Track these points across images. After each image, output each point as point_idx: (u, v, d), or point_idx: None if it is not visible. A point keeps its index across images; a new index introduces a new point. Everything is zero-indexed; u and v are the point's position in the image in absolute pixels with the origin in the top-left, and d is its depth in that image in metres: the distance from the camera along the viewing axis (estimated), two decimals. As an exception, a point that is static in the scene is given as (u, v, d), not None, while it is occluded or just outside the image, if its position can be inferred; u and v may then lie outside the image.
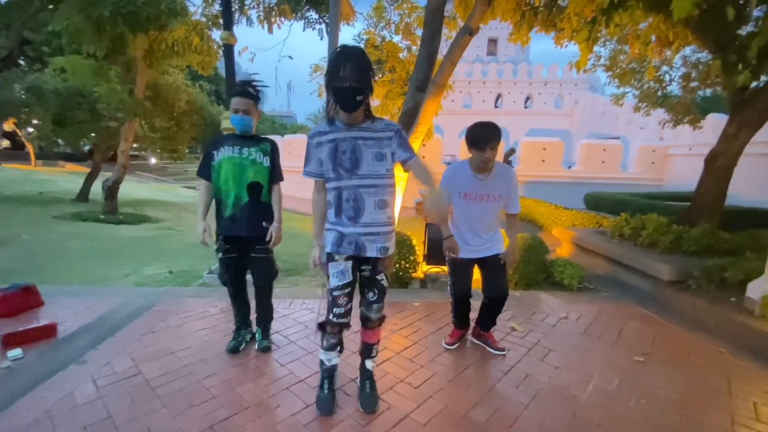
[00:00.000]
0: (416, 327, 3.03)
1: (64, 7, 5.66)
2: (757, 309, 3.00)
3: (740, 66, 3.74)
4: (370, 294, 1.94)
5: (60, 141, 15.28)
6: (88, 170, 13.49)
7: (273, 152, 2.46)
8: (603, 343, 2.86)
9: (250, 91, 2.36)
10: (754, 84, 4.00)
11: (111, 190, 10.00)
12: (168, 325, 2.92)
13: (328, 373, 2.05)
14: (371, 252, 1.82)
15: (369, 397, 2.02)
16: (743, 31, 4.43)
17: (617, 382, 2.36)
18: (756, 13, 4.37)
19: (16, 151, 32.76)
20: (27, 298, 3.16)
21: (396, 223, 2.02)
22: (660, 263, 3.80)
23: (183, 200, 16.44)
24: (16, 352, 2.47)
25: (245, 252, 2.46)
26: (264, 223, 2.42)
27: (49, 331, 2.72)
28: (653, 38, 4.90)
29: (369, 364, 2.09)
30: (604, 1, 4.16)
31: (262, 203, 2.43)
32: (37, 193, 12.98)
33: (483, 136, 2.26)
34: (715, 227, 4.18)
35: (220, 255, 2.46)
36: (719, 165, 4.30)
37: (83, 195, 12.33)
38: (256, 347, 2.59)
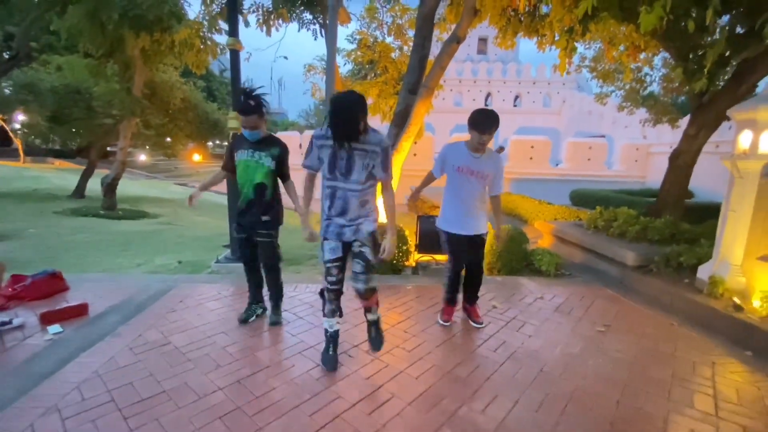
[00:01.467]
0: (409, 306, 3.41)
1: (73, 10, 5.88)
2: (705, 288, 3.44)
3: (698, 73, 4.18)
4: (357, 267, 2.26)
5: (53, 139, 15.30)
6: (78, 167, 13.62)
7: (281, 155, 2.76)
8: (571, 317, 3.29)
9: (252, 105, 2.60)
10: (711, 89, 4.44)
11: (110, 186, 10.20)
12: (187, 305, 3.26)
13: (332, 338, 2.45)
14: (347, 236, 2.23)
15: (375, 339, 2.50)
16: (704, 41, 4.88)
17: (580, 347, 2.77)
18: (724, 20, 4.79)
19: (4, 148, 32.28)
20: (55, 283, 3.46)
21: (378, 214, 2.38)
22: (626, 250, 4.24)
23: (176, 197, 16.61)
24: (55, 328, 2.79)
25: (250, 235, 2.85)
26: (263, 218, 2.78)
27: (81, 309, 3.04)
28: (622, 47, 5.32)
29: (369, 316, 2.51)
30: (580, 11, 4.54)
31: (265, 201, 2.76)
32: (31, 190, 13.07)
33: (484, 121, 2.64)
34: (677, 218, 4.64)
35: (236, 235, 2.97)
36: (680, 163, 4.76)
37: (79, 191, 12.47)
38: (269, 321, 2.97)
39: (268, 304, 3.10)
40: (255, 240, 2.84)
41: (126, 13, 6.06)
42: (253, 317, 3.01)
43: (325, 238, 2.27)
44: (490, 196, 2.94)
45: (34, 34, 11.02)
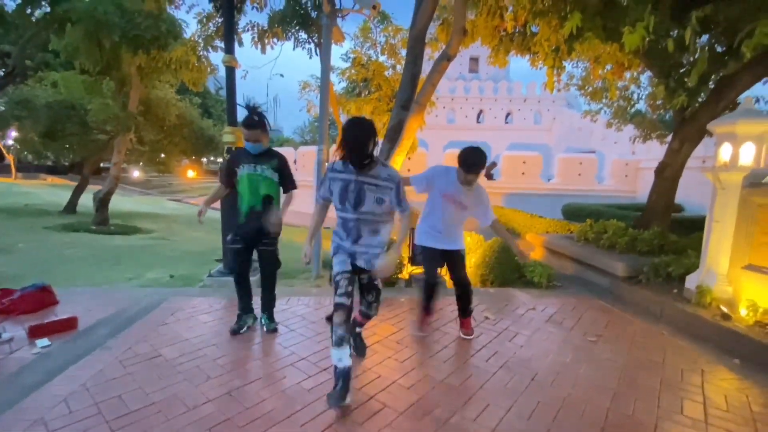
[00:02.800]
0: (401, 317, 3.42)
1: (72, 30, 5.99)
2: (693, 297, 3.49)
3: (679, 90, 4.34)
4: (370, 296, 2.38)
5: (46, 154, 15.27)
6: (70, 183, 13.56)
7: (282, 167, 2.89)
8: (563, 327, 3.31)
9: (256, 120, 2.75)
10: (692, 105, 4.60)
11: (103, 202, 10.16)
12: (178, 318, 3.23)
13: (342, 375, 2.05)
14: (359, 262, 2.24)
15: (360, 346, 2.66)
16: (685, 59, 5.08)
17: (571, 356, 2.79)
18: (703, 39, 4.99)
19: (-5, 164, 32.00)
20: (44, 297, 3.43)
21: (387, 242, 2.34)
22: (616, 261, 4.30)
23: (170, 212, 16.52)
24: (43, 342, 2.76)
25: (250, 246, 2.92)
26: (272, 229, 2.86)
27: (70, 323, 3.01)
28: (608, 66, 5.51)
29: (358, 329, 2.64)
30: (565, 31, 4.71)
31: (273, 211, 2.86)
32: (22, 205, 12.95)
33: (473, 163, 2.68)
34: (664, 230, 4.73)
35: (230, 245, 2.99)
36: (666, 176, 4.89)
37: (71, 207, 12.38)
38: (265, 330, 3.02)
39: (257, 313, 3.14)
40: (259, 249, 2.91)
41: (125, 34, 6.18)
42: (245, 328, 3.01)
43: (335, 253, 2.28)
44: (486, 226, 2.95)
45: (30, 52, 11.17)
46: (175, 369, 2.44)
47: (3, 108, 11.08)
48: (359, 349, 2.67)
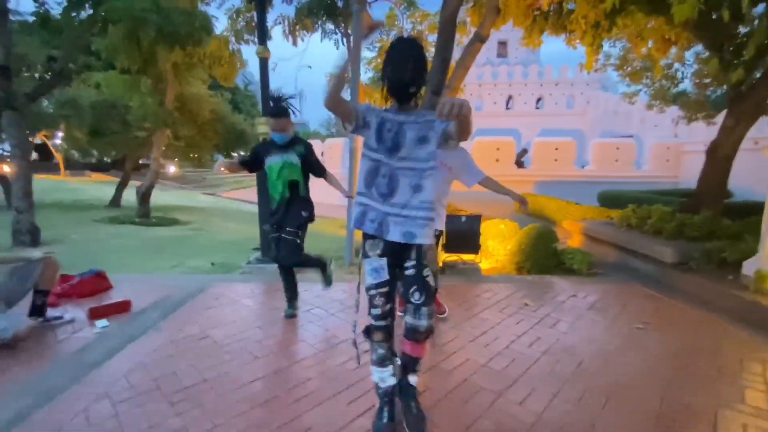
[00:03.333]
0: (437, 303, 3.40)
1: (113, 30, 6.27)
2: (751, 284, 3.27)
3: (734, 63, 4.03)
4: (416, 295, 1.67)
5: (92, 151, 16.15)
6: (113, 179, 14.30)
7: (306, 153, 2.91)
8: (607, 315, 3.19)
9: (283, 108, 2.80)
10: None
11: (144, 196, 10.66)
12: (222, 303, 3.36)
13: (386, 397, 1.79)
14: (393, 235, 1.68)
15: (416, 417, 1.76)
16: (740, 31, 4.71)
17: (618, 344, 2.69)
18: (759, 9, 4.61)
19: (45, 162, 34.26)
20: (100, 282, 3.65)
21: (436, 213, 1.94)
22: (664, 247, 4.09)
23: (205, 205, 17.16)
24: (102, 322, 2.94)
25: (280, 232, 2.93)
26: (303, 213, 2.91)
27: (125, 306, 3.19)
28: (651, 42, 5.19)
29: (412, 379, 1.85)
30: (607, 5, 4.46)
31: (300, 197, 2.91)
32: (71, 200, 13.80)
33: None
34: (716, 214, 4.45)
35: (271, 235, 3.04)
36: (719, 156, 4.57)
37: (115, 201, 13.07)
38: (283, 314, 3.05)
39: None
40: (282, 236, 2.91)
41: (161, 30, 6.40)
42: (298, 311, 3.12)
43: (366, 254, 1.76)
44: (476, 184, 2.78)
45: (74, 56, 11.77)
46: (223, 349, 2.55)
47: (51, 109, 11.75)
48: (415, 422, 1.74)
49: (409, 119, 1.70)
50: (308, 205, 2.96)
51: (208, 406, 1.96)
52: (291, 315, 3.05)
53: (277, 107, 2.79)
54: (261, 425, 1.83)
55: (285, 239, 2.89)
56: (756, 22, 4.60)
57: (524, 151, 16.95)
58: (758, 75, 4.37)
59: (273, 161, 2.86)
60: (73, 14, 6.24)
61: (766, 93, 3.92)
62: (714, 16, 4.41)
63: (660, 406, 2.00)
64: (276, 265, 3.09)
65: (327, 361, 2.40)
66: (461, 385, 2.17)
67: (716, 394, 2.12)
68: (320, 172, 2.97)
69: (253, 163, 2.97)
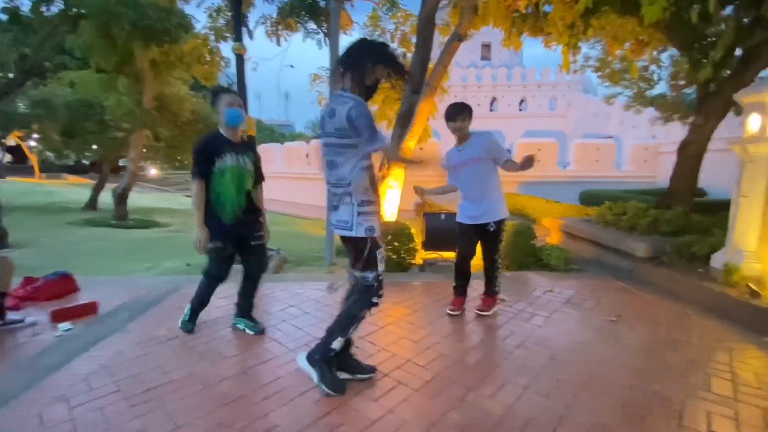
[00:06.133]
0: (415, 300, 3.39)
1: (85, 25, 6.08)
2: (720, 276, 3.35)
3: (704, 62, 4.14)
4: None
5: (67, 153, 15.68)
6: (90, 182, 13.92)
7: (258, 160, 2.67)
8: (582, 309, 3.22)
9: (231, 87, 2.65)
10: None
11: (121, 197, 10.39)
12: (194, 303, 3.26)
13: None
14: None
15: (367, 367, 2.16)
16: (709, 31, 4.84)
17: (591, 336, 2.72)
18: (728, 10, 4.74)
19: (20, 165, 33.21)
20: (66, 284, 3.51)
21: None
22: (637, 242, 4.16)
23: (187, 207, 16.82)
24: (65, 325, 2.82)
25: (238, 247, 2.63)
26: (260, 219, 2.72)
27: (91, 308, 3.07)
28: (627, 44, 5.30)
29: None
30: (580, 6, 4.53)
31: (253, 204, 2.65)
32: (46, 203, 13.37)
33: (453, 110, 2.87)
34: (687, 210, 4.55)
35: (214, 254, 2.59)
36: (690, 153, 4.69)
37: (92, 203, 12.72)
38: (252, 333, 2.67)
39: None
40: (250, 246, 2.64)
41: (135, 25, 6.25)
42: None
43: (377, 243, 1.99)
44: (501, 167, 2.88)
45: (47, 54, 11.43)
46: (192, 350, 2.47)
47: (24, 109, 11.38)
48: (366, 367, 2.17)
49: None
50: (258, 210, 2.71)
51: (171, 407, 1.89)
52: (262, 330, 2.70)
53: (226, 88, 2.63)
54: (225, 425, 1.77)
55: (256, 247, 2.67)
56: (723, 24, 4.75)
57: (507, 152, 17.13)
58: (727, 73, 4.50)
59: (227, 164, 2.45)
60: (43, 9, 6.04)
61: (733, 91, 4.02)
62: (684, 18, 4.52)
63: (628, 396, 2.02)
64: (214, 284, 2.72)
65: (298, 359, 2.34)
66: (433, 380, 2.14)
67: (684, 383, 2.15)
68: (261, 179, 2.73)
69: (208, 167, 2.45)
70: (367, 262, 1.95)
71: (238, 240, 2.60)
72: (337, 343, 1.97)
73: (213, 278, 2.70)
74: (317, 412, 1.86)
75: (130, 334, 2.69)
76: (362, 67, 1.87)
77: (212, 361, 2.34)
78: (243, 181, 2.54)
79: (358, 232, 1.91)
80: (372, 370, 2.16)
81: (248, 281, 2.75)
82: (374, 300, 1.98)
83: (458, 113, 2.86)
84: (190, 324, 2.75)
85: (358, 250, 1.95)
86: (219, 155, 2.45)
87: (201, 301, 2.77)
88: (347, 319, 1.99)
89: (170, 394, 2.00)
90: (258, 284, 2.78)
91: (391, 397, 1.98)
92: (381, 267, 1.99)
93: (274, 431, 1.74)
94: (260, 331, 2.70)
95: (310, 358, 2.02)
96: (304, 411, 1.87)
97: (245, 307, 2.79)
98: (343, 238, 2.02)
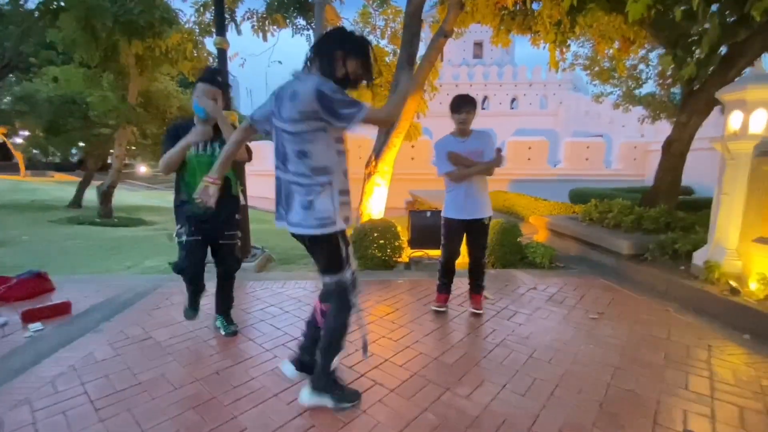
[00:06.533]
0: (398, 298, 3.35)
1: (64, 17, 5.93)
2: (701, 273, 3.36)
3: (688, 60, 4.15)
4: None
5: (51, 150, 15.38)
6: (77, 179, 13.62)
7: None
8: (564, 306, 3.21)
9: (218, 79, 2.37)
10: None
11: (106, 195, 10.20)
12: (172, 302, 3.20)
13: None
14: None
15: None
16: (693, 29, 4.86)
17: (571, 334, 2.70)
18: (714, 8, 4.76)
19: (5, 162, 32.59)
20: (40, 284, 3.42)
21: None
22: (621, 240, 4.17)
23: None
24: (36, 326, 2.74)
25: (207, 240, 2.46)
26: (237, 216, 2.53)
27: (64, 308, 2.99)
28: (616, 44, 5.31)
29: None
30: (566, 3, 4.52)
31: (232, 196, 2.47)
32: (29, 201, 13.09)
33: (459, 102, 2.82)
34: (671, 207, 4.58)
35: (181, 239, 2.38)
36: (674, 151, 4.71)
37: (77, 201, 12.48)
38: (224, 333, 2.60)
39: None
40: (220, 244, 2.49)
41: (117, 19, 6.10)
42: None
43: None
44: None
45: (32, 49, 11.16)
46: (165, 350, 2.41)
47: (6, 105, 11.12)
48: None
49: None
50: (238, 204, 2.56)
51: (138, 410, 1.84)
52: (235, 332, 2.63)
53: (211, 73, 2.39)
54: (192, 428, 1.72)
55: (228, 245, 2.52)
56: (707, 22, 4.76)
57: (498, 150, 17.17)
58: (710, 71, 4.52)
59: (194, 151, 2.32)
60: (21, 1, 5.87)
61: (717, 88, 4.04)
62: (668, 16, 4.53)
63: (605, 394, 2.00)
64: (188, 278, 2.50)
65: (273, 361, 2.30)
66: (409, 379, 2.11)
67: (661, 381, 2.14)
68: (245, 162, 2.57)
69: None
70: (345, 260, 1.77)
71: (206, 229, 2.40)
72: (335, 362, 1.83)
73: (181, 272, 2.45)
74: (289, 414, 1.81)
75: (103, 335, 2.62)
76: (331, 55, 1.67)
77: (185, 362, 2.28)
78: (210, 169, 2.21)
79: (339, 226, 1.71)
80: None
81: (219, 280, 2.64)
82: (352, 300, 1.79)
83: (464, 105, 2.81)
84: (191, 311, 2.60)
85: (333, 248, 1.75)
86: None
87: (193, 290, 2.56)
88: (333, 336, 1.81)
89: (138, 396, 1.94)
90: (229, 284, 2.66)
91: (366, 397, 1.94)
92: (355, 262, 1.84)
93: (243, 434, 1.69)
94: (232, 333, 2.61)
95: (316, 389, 1.84)
96: (275, 413, 1.82)
97: (223, 303, 2.69)
98: (315, 239, 1.73)
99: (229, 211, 2.49)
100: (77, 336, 2.60)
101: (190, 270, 2.44)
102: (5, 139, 22.00)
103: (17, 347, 2.47)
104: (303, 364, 1.93)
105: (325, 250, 1.77)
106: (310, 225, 1.68)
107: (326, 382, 1.83)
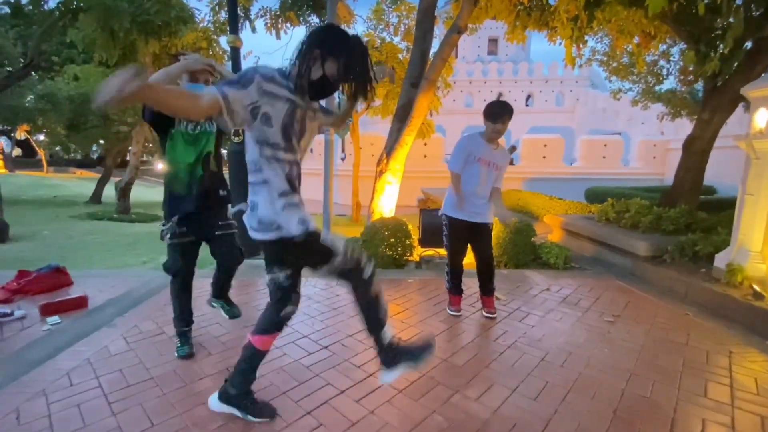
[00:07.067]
0: (408, 298, 3.33)
1: (84, 18, 6.07)
2: (723, 277, 3.25)
3: (711, 55, 4.01)
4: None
5: (72, 147, 15.81)
6: (98, 176, 13.96)
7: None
8: (578, 308, 3.14)
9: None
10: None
11: (124, 191, 10.43)
12: (185, 298, 3.24)
13: None
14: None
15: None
16: (717, 23, 4.69)
17: (585, 337, 2.64)
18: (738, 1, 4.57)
19: (28, 159, 33.64)
20: (58, 278, 3.51)
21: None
22: (638, 240, 4.06)
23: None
24: (54, 319, 2.81)
25: (201, 236, 2.28)
26: (221, 192, 2.30)
27: (80, 302, 3.06)
28: (636, 39, 5.16)
29: None
30: (582, -1, 4.39)
31: (215, 172, 2.27)
32: (51, 197, 13.49)
33: (499, 112, 2.69)
34: (692, 207, 4.43)
35: (173, 240, 2.21)
36: (695, 149, 4.56)
37: (96, 197, 12.81)
38: (228, 317, 2.52)
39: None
40: (215, 236, 2.27)
41: (135, 19, 6.21)
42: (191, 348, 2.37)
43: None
44: (493, 188, 2.89)
45: (54, 48, 11.45)
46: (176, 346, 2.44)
47: (29, 102, 11.46)
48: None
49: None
50: (225, 183, 2.34)
51: (149, 405, 1.86)
52: (237, 314, 2.52)
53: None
54: (201, 424, 1.73)
55: (222, 237, 2.28)
56: (732, 16, 4.58)
57: (513, 148, 16.93)
58: (734, 67, 4.36)
59: (179, 128, 2.12)
60: (42, 2, 6.03)
61: (741, 85, 3.90)
62: (691, 10, 4.38)
63: (620, 400, 1.95)
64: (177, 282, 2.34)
65: (283, 358, 2.31)
66: (418, 380, 2.09)
67: (679, 388, 2.07)
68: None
69: (159, 118, 2.09)
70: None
71: (198, 225, 2.22)
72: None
73: (172, 273, 2.29)
74: (296, 412, 1.81)
75: (117, 329, 2.67)
76: (306, 54, 1.46)
77: (196, 357, 2.30)
78: (201, 144, 2.17)
79: (297, 230, 1.53)
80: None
81: (219, 273, 2.44)
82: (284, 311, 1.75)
83: (504, 114, 2.66)
84: (185, 348, 2.33)
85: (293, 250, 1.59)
86: (170, 119, 2.10)
87: (181, 319, 2.37)
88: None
89: (149, 391, 1.97)
90: (230, 275, 2.48)
91: (374, 398, 1.93)
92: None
93: (251, 431, 1.70)
94: (235, 316, 2.50)
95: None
96: (282, 410, 1.82)
97: (223, 289, 2.53)
98: (271, 243, 1.58)
99: (214, 194, 2.26)
100: (93, 330, 2.65)
101: (179, 278, 2.32)
102: (29, 136, 22.73)
103: (35, 340, 2.53)
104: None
105: (276, 250, 1.65)
106: (256, 229, 1.57)
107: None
